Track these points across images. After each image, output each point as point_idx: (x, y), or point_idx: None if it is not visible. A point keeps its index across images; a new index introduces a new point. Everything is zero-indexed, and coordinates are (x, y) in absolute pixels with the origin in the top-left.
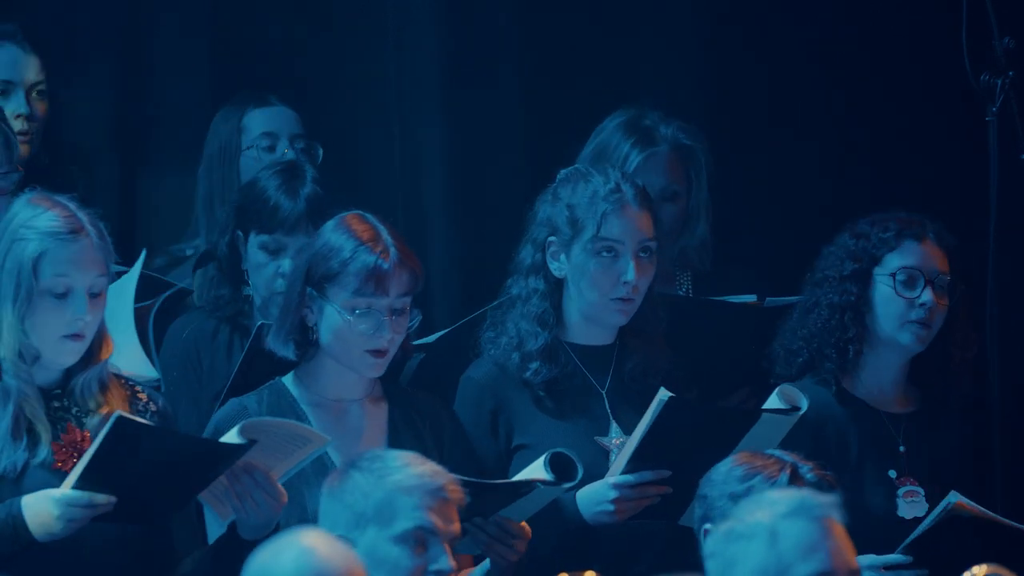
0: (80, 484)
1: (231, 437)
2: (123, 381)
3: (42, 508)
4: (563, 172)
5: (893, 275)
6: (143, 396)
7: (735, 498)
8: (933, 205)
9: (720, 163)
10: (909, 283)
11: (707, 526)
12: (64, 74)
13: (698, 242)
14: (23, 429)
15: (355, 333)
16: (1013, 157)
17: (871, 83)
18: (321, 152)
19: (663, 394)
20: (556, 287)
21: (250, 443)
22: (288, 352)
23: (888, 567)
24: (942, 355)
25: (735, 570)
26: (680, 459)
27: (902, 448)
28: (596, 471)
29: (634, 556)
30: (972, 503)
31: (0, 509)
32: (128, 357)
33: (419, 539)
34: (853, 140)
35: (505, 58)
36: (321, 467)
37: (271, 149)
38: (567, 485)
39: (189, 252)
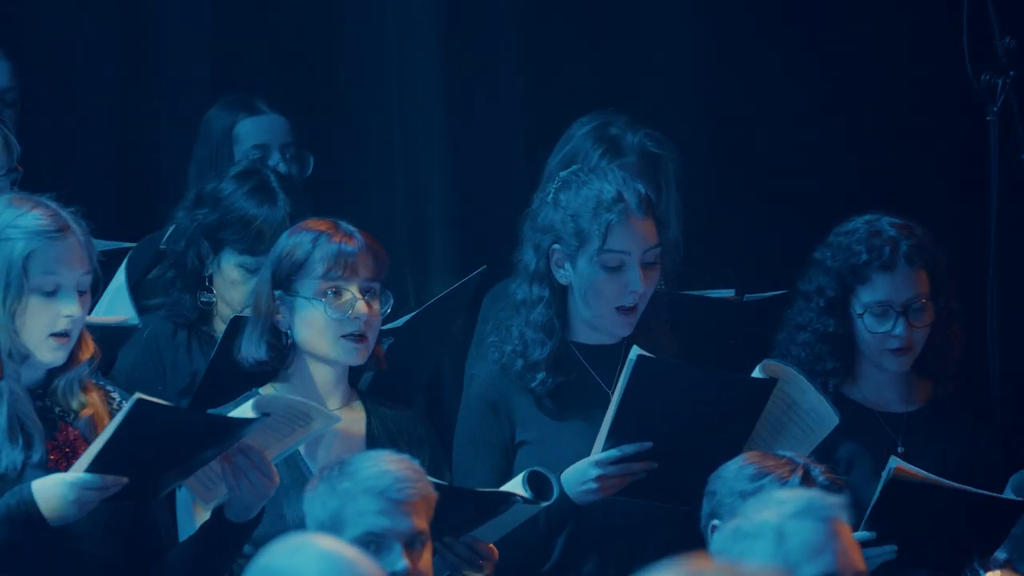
0: (93, 467)
1: (244, 412)
2: (95, 382)
3: (55, 492)
4: (563, 174)
5: (864, 312)
6: (115, 396)
7: (745, 497)
8: (933, 205)
9: (717, 161)
10: (881, 317)
11: (715, 523)
12: (64, 76)
13: (669, 245)
14: (18, 429)
15: (329, 320)
16: (1013, 157)
17: (871, 83)
18: (312, 161)
19: (633, 353)
20: (561, 293)
21: (263, 417)
22: (261, 353)
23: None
24: (935, 352)
25: None
26: (664, 430)
27: (900, 449)
28: None
29: (638, 544)
30: (913, 467)
31: (9, 496)
32: (118, 303)
33: (371, 544)
34: (853, 140)
35: (506, 59)
36: (299, 475)
37: (263, 161)
38: (544, 504)
39: None
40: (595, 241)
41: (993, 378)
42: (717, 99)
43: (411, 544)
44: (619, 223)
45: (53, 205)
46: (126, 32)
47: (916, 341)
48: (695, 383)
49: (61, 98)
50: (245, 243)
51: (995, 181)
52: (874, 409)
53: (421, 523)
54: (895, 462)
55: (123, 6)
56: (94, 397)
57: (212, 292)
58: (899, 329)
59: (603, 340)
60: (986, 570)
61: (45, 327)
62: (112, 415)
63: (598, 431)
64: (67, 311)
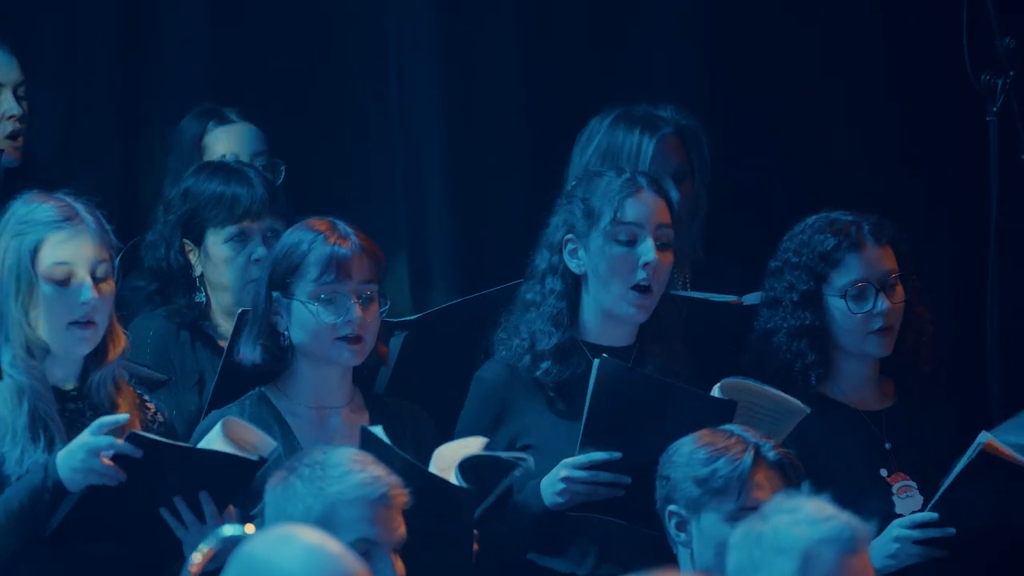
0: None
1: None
2: (133, 389)
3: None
4: (575, 178)
5: (843, 294)
6: (151, 407)
7: (700, 482)
8: (933, 205)
9: (719, 160)
10: (860, 297)
11: (671, 508)
12: (65, 79)
13: (698, 227)
14: (40, 429)
15: (324, 323)
16: (1013, 157)
17: (871, 83)
18: (284, 169)
19: (598, 359)
20: (574, 287)
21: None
22: (256, 356)
23: (917, 525)
24: (900, 342)
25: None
26: (633, 443)
27: (888, 445)
28: None
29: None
30: (1004, 445)
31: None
32: None
33: (362, 551)
34: (854, 139)
35: (506, 57)
36: None
37: None
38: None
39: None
40: (607, 215)
41: (993, 378)
42: (717, 98)
43: (396, 550)
44: (631, 195)
45: (68, 199)
46: (127, 32)
47: (894, 321)
48: (657, 395)
49: (61, 97)
50: (223, 212)
51: (995, 181)
52: (858, 408)
53: (403, 531)
54: (986, 436)
55: (124, 6)
56: (125, 400)
57: (202, 291)
58: (881, 305)
59: (614, 342)
60: None
61: (62, 316)
62: (144, 423)
63: None
64: (83, 298)
